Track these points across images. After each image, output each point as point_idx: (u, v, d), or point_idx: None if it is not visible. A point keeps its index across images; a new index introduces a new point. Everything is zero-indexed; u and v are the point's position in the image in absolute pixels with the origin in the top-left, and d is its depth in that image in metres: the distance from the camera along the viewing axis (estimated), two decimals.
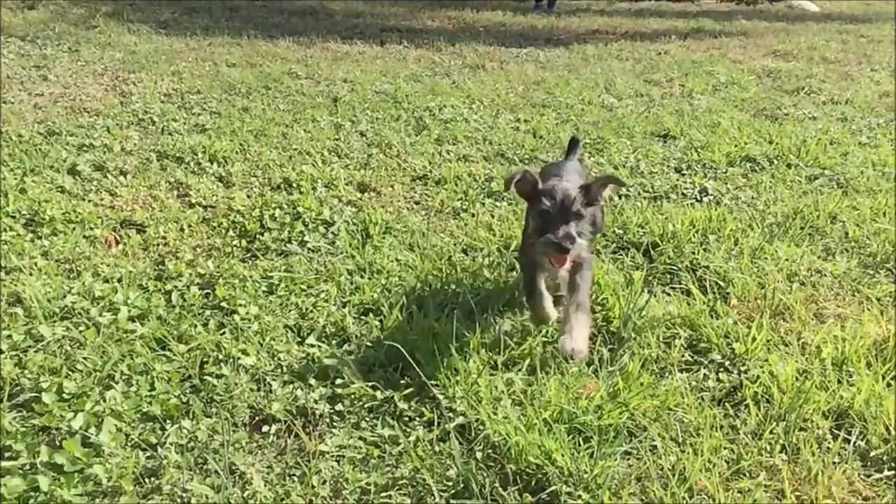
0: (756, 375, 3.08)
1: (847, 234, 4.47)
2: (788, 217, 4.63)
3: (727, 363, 3.19)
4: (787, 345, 3.33)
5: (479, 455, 2.67)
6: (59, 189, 4.74)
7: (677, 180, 5.33)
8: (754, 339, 3.28)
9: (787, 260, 4.05)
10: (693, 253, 4.09)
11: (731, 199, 4.99)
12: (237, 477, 2.58)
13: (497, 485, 2.54)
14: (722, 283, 3.81)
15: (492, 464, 2.64)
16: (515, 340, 3.26)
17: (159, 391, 2.89)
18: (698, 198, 5.02)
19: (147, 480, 2.53)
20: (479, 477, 2.55)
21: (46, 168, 5.04)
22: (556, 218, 2.93)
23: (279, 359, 3.16)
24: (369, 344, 3.26)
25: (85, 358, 3.02)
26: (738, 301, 3.66)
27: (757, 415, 2.87)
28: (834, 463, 2.65)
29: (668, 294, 3.75)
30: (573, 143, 4.12)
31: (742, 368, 3.15)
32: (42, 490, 2.38)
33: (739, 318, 3.50)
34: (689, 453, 2.66)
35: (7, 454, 2.55)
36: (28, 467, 2.50)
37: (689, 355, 3.28)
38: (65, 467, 2.48)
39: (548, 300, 3.28)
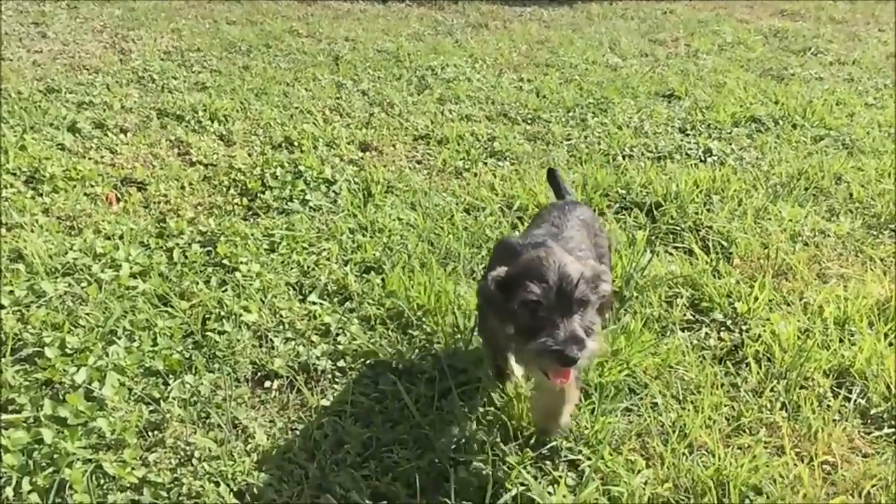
0: (757, 334, 3.08)
1: (851, 194, 4.44)
2: (793, 178, 4.60)
3: (729, 322, 3.19)
4: (789, 304, 3.32)
5: (480, 412, 2.68)
6: (59, 146, 4.71)
7: (681, 140, 5.28)
8: (756, 298, 3.28)
9: (790, 220, 4.03)
10: (696, 213, 4.07)
11: (736, 159, 4.95)
12: (240, 431, 2.59)
13: (498, 440, 2.55)
14: (725, 243, 3.80)
15: (492, 420, 2.65)
16: None
17: (162, 347, 2.89)
18: (702, 158, 4.98)
19: (150, 434, 2.55)
20: (479, 433, 2.57)
21: (46, 125, 5.00)
22: (552, 311, 2.06)
23: (281, 316, 3.16)
24: (371, 302, 3.26)
25: (87, 313, 3.02)
26: (741, 261, 3.65)
27: (758, 373, 2.88)
28: (834, 420, 2.66)
29: (671, 254, 3.74)
30: (552, 178, 3.46)
31: (744, 327, 3.15)
32: (46, 442, 2.40)
33: (742, 278, 3.49)
34: (689, 410, 2.67)
35: (10, 407, 2.56)
36: (32, 420, 2.51)
37: (691, 314, 3.28)
38: (68, 420, 2.49)
39: (519, 372, 2.69)
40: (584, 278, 2.11)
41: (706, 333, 3.14)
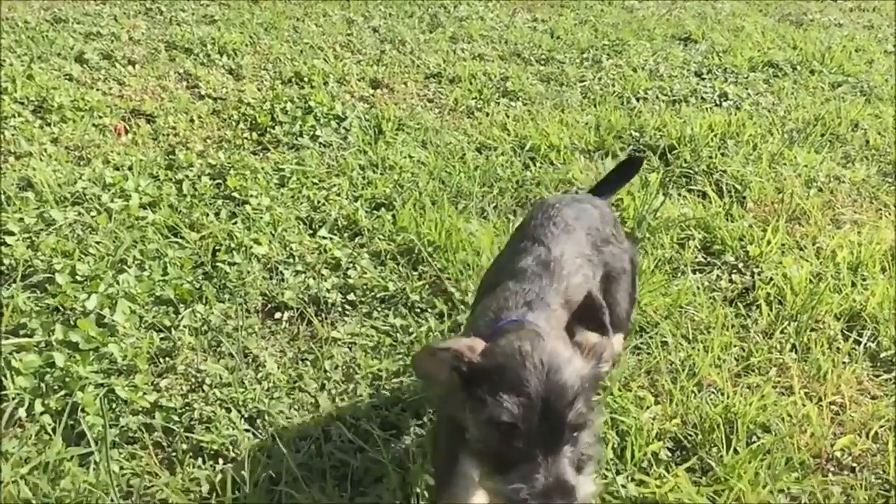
0: (769, 277, 3.07)
1: (868, 141, 4.38)
2: (809, 123, 4.53)
3: (741, 265, 3.18)
4: (801, 248, 3.30)
5: None
6: (67, 77, 4.65)
7: (697, 84, 5.20)
8: (769, 242, 3.26)
9: (806, 166, 3.98)
10: (710, 157, 4.02)
11: (752, 104, 4.88)
12: (250, 360, 2.60)
13: None
14: (739, 188, 3.76)
15: None
16: None
17: (172, 276, 2.89)
18: (718, 102, 4.91)
19: (161, 360, 2.56)
20: None
21: (53, 55, 4.94)
22: (532, 442, 1.49)
23: (291, 249, 3.15)
24: (381, 237, 3.24)
25: (97, 242, 3.01)
26: (755, 205, 3.62)
27: (769, 315, 2.87)
28: (843, 363, 2.66)
29: (684, 197, 3.71)
30: (626, 170, 2.83)
31: (755, 270, 3.14)
32: (58, 366, 2.41)
33: (755, 222, 3.46)
34: (699, 350, 2.67)
35: (22, 332, 2.57)
36: (43, 345, 2.52)
37: (703, 257, 3.26)
38: (80, 345, 2.50)
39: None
40: (582, 387, 1.53)
41: (717, 276, 3.13)
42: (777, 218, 3.45)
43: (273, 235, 3.21)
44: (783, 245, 3.29)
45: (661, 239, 3.28)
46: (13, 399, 2.32)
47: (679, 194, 3.73)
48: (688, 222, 3.42)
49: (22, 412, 2.31)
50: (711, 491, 2.19)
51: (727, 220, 3.47)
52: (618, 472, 2.23)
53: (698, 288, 3.00)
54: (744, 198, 3.69)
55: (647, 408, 2.44)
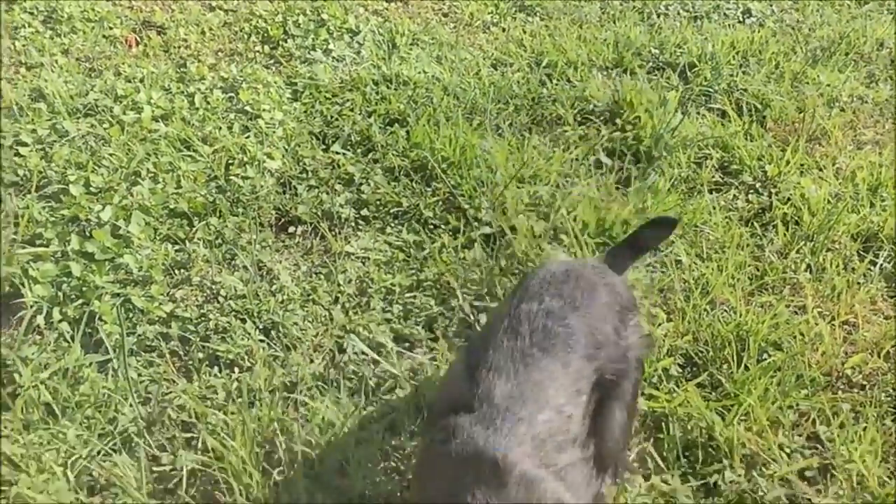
0: (787, 197, 3.03)
1: (893, 61, 4.27)
2: (834, 42, 4.41)
3: (758, 185, 3.14)
4: (821, 169, 3.25)
5: (503, 263, 2.68)
6: None
7: (719, 0, 5.05)
8: (788, 161, 3.21)
9: (828, 85, 3.89)
10: (731, 75, 3.93)
11: (776, 21, 4.74)
12: (265, 273, 2.62)
13: None
14: (759, 107, 3.68)
15: (515, 272, 2.66)
16: (543, 157, 3.20)
17: (186, 189, 2.89)
18: (741, 19, 4.77)
19: (176, 272, 2.58)
20: (502, 282, 2.58)
21: None
22: None
23: (304, 164, 3.13)
24: (395, 153, 3.21)
25: (110, 154, 3.00)
26: (775, 124, 3.55)
27: (784, 235, 2.85)
28: (858, 283, 2.65)
29: (703, 115, 3.64)
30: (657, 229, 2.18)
31: (773, 190, 3.10)
32: (74, 275, 2.43)
33: (774, 142, 3.41)
34: (713, 269, 2.66)
35: (38, 241, 2.58)
36: (59, 255, 2.54)
37: (720, 176, 3.22)
38: (95, 256, 2.52)
39: None
40: None
41: (734, 195, 3.10)
42: (797, 138, 3.39)
43: (286, 150, 3.19)
44: (802, 165, 3.25)
45: (678, 158, 3.23)
46: (31, 307, 2.36)
47: (698, 113, 3.66)
48: (706, 141, 3.36)
49: (40, 320, 2.35)
50: (721, 406, 2.21)
51: (746, 139, 3.41)
52: None
53: (714, 207, 2.98)
54: (764, 117, 3.62)
55: (660, 325, 2.45)
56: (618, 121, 3.45)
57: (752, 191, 3.12)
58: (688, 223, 2.86)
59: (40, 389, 2.13)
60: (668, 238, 2.42)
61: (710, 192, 3.11)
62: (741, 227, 2.89)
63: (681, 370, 2.35)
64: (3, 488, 1.84)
